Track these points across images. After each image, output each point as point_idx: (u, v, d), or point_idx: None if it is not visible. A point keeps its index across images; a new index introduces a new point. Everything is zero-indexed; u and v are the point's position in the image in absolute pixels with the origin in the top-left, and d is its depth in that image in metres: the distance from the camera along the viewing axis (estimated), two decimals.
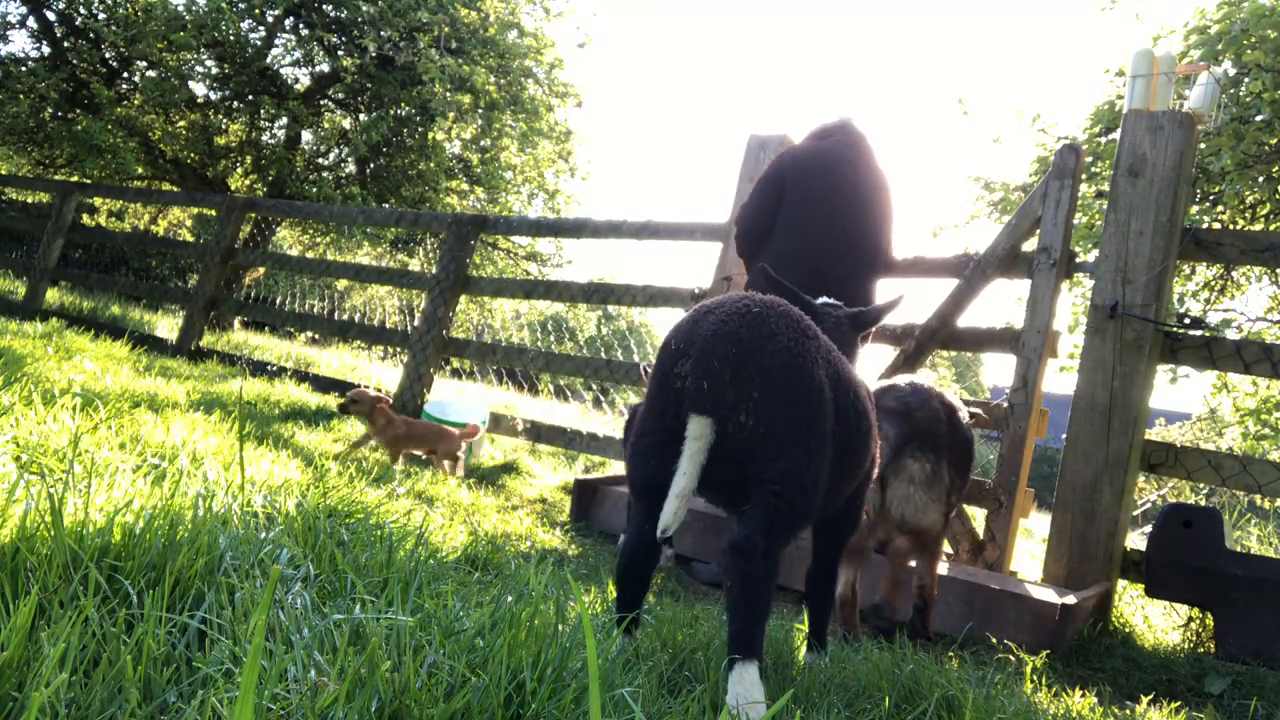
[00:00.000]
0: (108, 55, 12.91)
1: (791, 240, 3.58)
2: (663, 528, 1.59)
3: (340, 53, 12.55)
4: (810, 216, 3.59)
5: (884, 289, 3.80)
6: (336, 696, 1.10)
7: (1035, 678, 2.23)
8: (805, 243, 3.55)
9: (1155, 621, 3.44)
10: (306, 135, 13.76)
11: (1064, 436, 3.53)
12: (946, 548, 3.74)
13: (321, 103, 13.59)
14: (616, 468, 5.76)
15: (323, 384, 6.64)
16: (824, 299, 2.36)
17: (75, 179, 12.45)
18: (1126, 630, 3.21)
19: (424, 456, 4.69)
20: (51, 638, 1.09)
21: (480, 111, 12.21)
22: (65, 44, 12.75)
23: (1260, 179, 6.80)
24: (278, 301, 10.74)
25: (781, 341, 1.66)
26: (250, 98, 12.79)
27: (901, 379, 2.76)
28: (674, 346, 1.73)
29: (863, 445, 1.91)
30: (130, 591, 1.29)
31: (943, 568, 3.11)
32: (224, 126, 13.69)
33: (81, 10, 12.41)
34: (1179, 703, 2.30)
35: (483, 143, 12.92)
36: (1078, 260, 3.96)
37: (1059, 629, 2.75)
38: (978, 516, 4.11)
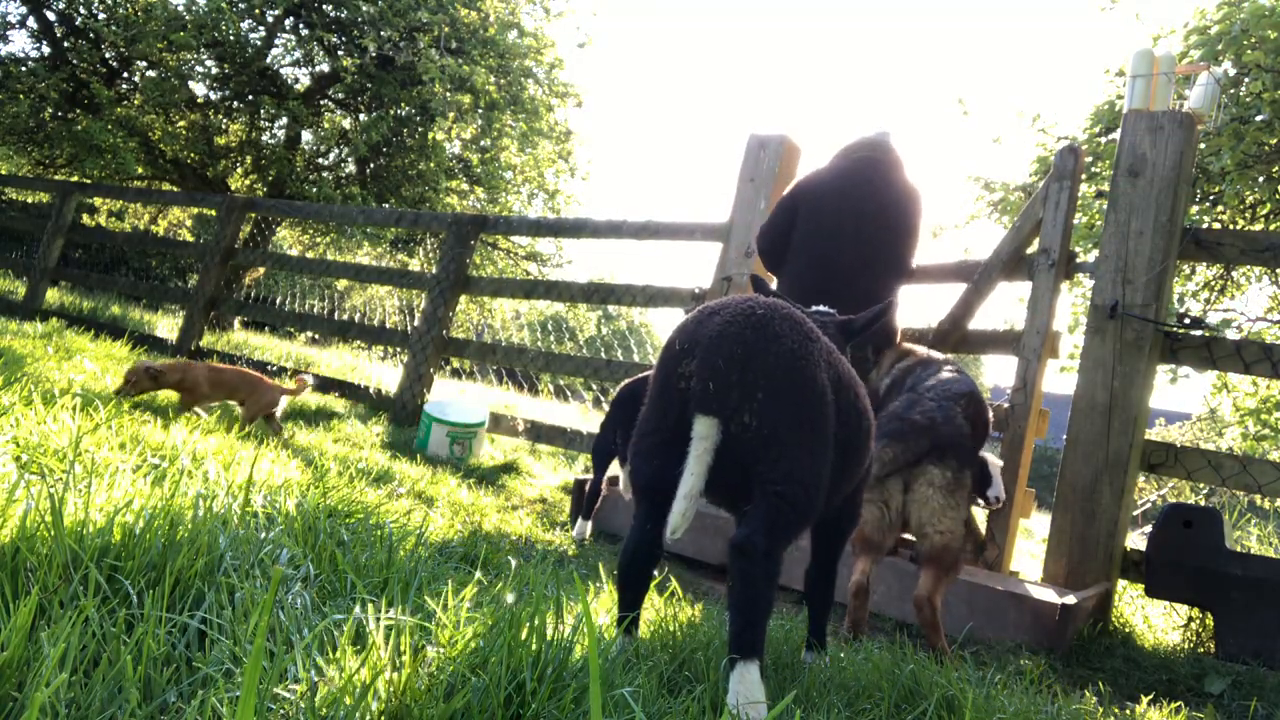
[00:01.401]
0: (108, 55, 12.92)
1: (801, 262, 3.74)
2: (672, 529, 1.60)
3: (340, 53, 12.55)
4: (816, 240, 3.72)
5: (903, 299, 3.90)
6: (336, 696, 1.10)
7: (1035, 678, 2.23)
8: (811, 265, 3.69)
9: (1155, 621, 3.44)
10: (306, 135, 13.76)
11: (1064, 436, 3.54)
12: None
13: (321, 103, 13.59)
14: (615, 468, 5.75)
15: (323, 384, 6.64)
16: (817, 307, 2.41)
17: (75, 179, 12.45)
18: (1126, 630, 3.21)
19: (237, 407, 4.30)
20: (51, 638, 1.09)
21: (480, 111, 12.21)
22: (65, 44, 12.75)
23: (1260, 179, 6.80)
24: (278, 301, 10.74)
25: (786, 344, 1.66)
26: (250, 98, 12.79)
27: (941, 378, 2.84)
28: (678, 347, 1.73)
29: (862, 445, 1.92)
30: (130, 591, 1.29)
31: None
32: (224, 126, 13.69)
33: (81, 10, 12.41)
34: (1179, 703, 2.30)
35: (483, 143, 12.93)
36: (1078, 260, 3.97)
37: (1059, 629, 2.75)
38: (979, 516, 4.11)
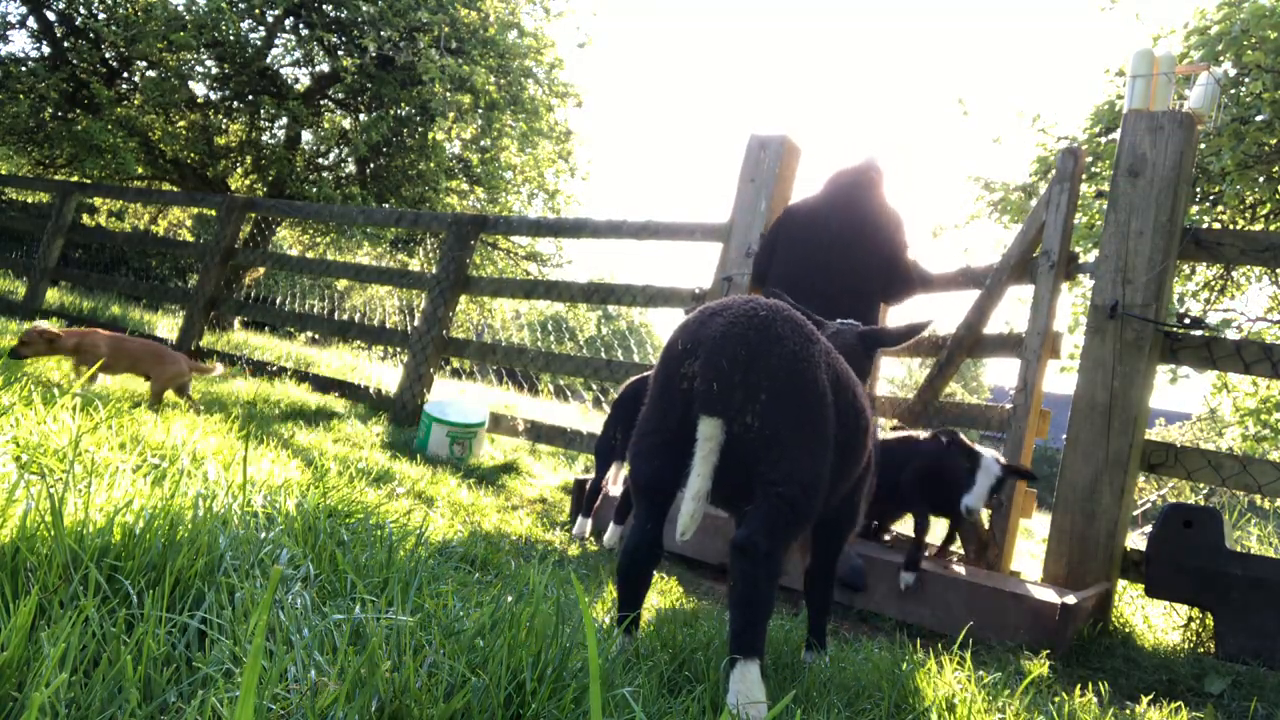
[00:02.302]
0: (108, 55, 12.92)
1: (778, 283, 4.04)
2: (681, 531, 1.60)
3: (340, 53, 12.55)
4: (788, 261, 4.07)
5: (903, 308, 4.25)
6: (336, 696, 1.10)
7: (1035, 678, 2.23)
8: (785, 285, 3.95)
9: (1155, 621, 3.44)
10: (306, 135, 13.76)
11: (1064, 436, 3.54)
12: (956, 547, 3.76)
13: (321, 103, 13.59)
14: None
15: (323, 384, 6.64)
16: (840, 320, 2.47)
17: (75, 179, 12.45)
18: (1126, 630, 3.21)
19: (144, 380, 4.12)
20: (51, 638, 1.09)
21: (480, 111, 12.21)
22: (65, 44, 12.75)
23: (1260, 179, 6.80)
24: (278, 301, 10.74)
25: (788, 345, 1.67)
26: (250, 98, 12.79)
27: None
28: (680, 347, 1.73)
29: (860, 445, 1.92)
30: (130, 591, 1.29)
31: (944, 567, 3.12)
32: (224, 126, 13.69)
33: (81, 10, 12.41)
34: (1179, 703, 2.30)
35: (483, 143, 12.92)
36: (1078, 260, 3.97)
37: (1059, 629, 2.75)
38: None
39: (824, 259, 3.92)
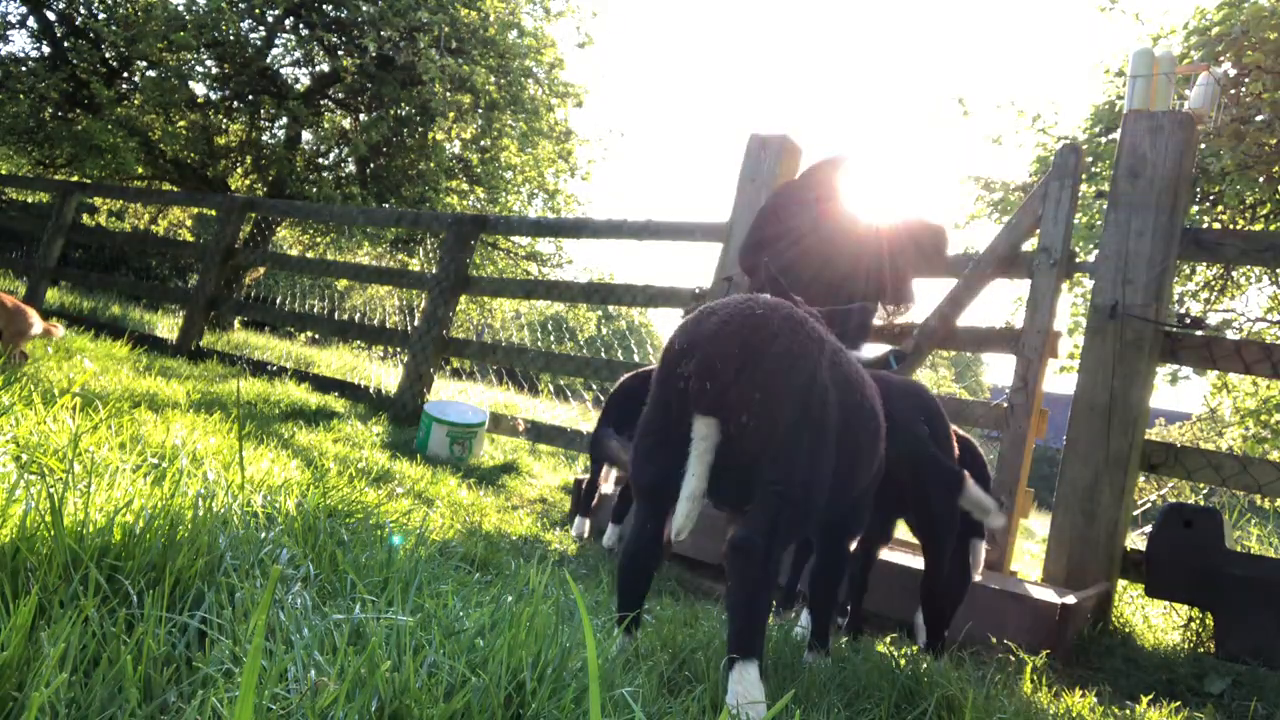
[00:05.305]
0: (108, 55, 12.91)
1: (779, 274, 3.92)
2: (676, 530, 1.60)
3: (340, 53, 12.55)
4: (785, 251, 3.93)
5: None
6: (336, 696, 1.10)
7: (1035, 678, 2.23)
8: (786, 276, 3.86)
9: (1155, 621, 3.44)
10: (306, 135, 13.75)
11: (1064, 436, 3.53)
12: None
13: (321, 103, 13.58)
14: None
15: (323, 384, 6.64)
16: (858, 305, 2.42)
17: (75, 179, 12.45)
18: (1126, 630, 3.21)
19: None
20: (51, 638, 1.09)
21: (480, 111, 12.21)
22: (65, 44, 12.75)
23: (1260, 179, 6.80)
24: (278, 301, 10.73)
25: (784, 343, 1.66)
26: (250, 98, 12.79)
27: None
28: (677, 347, 1.73)
29: (870, 446, 1.91)
30: (130, 591, 1.29)
31: None
32: (224, 126, 13.68)
33: (81, 10, 12.42)
34: (1179, 703, 2.30)
35: (483, 143, 12.92)
36: (1078, 260, 3.96)
37: (1059, 629, 2.75)
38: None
39: (823, 249, 3.81)
